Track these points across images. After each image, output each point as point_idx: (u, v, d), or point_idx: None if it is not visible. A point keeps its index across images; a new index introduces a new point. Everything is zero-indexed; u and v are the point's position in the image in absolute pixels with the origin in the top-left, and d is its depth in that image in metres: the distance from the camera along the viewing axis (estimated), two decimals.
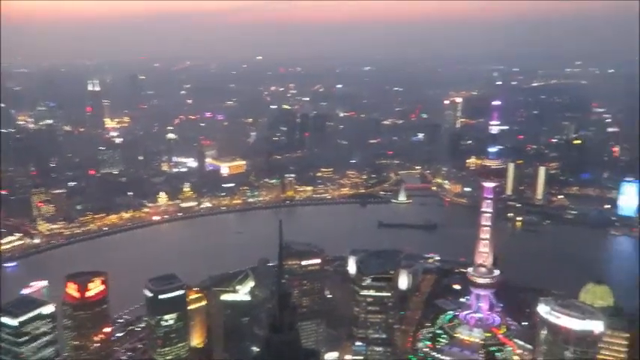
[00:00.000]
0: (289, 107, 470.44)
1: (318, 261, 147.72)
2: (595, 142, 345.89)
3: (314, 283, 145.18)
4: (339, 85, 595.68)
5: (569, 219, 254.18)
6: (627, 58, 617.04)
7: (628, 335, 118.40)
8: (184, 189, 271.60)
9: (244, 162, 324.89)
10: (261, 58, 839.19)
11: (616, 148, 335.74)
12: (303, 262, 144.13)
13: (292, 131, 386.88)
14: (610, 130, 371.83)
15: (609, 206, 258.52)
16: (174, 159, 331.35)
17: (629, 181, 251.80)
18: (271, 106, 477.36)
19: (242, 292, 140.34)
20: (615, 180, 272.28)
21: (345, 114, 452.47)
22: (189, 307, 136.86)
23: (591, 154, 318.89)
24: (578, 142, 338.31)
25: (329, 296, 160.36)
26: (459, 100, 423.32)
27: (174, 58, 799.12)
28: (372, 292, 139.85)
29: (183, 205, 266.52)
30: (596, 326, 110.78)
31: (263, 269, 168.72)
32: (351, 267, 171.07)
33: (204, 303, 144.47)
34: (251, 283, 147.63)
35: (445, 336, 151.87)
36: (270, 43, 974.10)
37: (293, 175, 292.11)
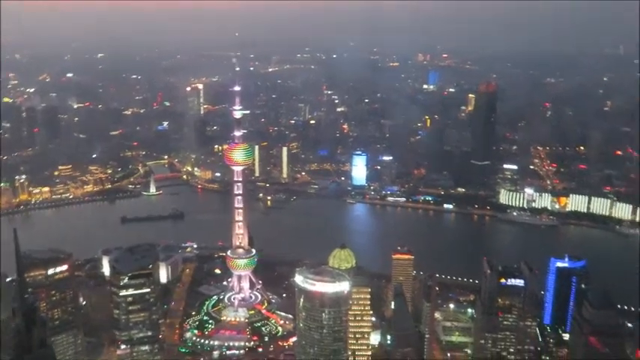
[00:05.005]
0: (11, 100, 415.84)
1: (66, 267, 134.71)
2: (327, 121, 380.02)
3: (64, 291, 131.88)
4: (70, 74, 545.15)
5: (312, 193, 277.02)
6: (344, 45, 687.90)
7: (369, 289, 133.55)
8: None
9: None
10: None
11: (345, 126, 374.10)
12: (49, 271, 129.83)
13: (18, 127, 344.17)
14: (339, 109, 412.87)
15: (344, 178, 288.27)
16: None
17: (358, 154, 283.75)
18: None
19: None
20: (347, 154, 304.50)
21: (80, 105, 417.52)
22: None
23: (325, 133, 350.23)
24: (313, 122, 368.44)
25: (84, 303, 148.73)
26: (200, 86, 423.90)
27: None
28: (131, 291, 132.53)
29: None
30: (345, 287, 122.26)
31: None
32: (105, 268, 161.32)
33: None
34: None
35: (212, 321, 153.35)
36: None
37: (25, 176, 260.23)
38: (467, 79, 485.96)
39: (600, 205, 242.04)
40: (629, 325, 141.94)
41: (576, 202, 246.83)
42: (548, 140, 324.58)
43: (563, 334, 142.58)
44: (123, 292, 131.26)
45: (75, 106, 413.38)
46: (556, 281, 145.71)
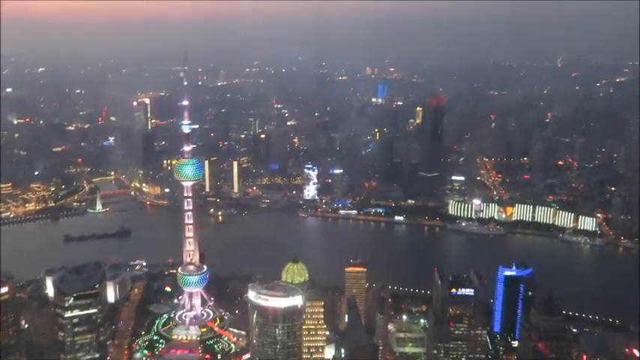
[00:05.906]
0: None
1: (7, 289, 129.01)
2: (278, 135, 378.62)
3: (5, 314, 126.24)
4: (9, 89, 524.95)
5: (263, 208, 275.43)
6: (292, 59, 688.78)
7: (322, 303, 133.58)
8: None
9: None
10: None
11: (295, 140, 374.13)
12: None
13: None
14: (289, 123, 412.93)
15: (295, 192, 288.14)
16: None
17: (309, 168, 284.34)
18: None
19: None
20: (298, 168, 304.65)
21: (20, 121, 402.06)
22: None
23: (276, 147, 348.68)
24: (264, 136, 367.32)
25: (26, 326, 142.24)
26: (147, 101, 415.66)
27: None
28: (76, 312, 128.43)
29: None
30: (298, 301, 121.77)
31: None
32: (49, 289, 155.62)
33: None
34: None
35: (162, 340, 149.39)
36: None
37: None
38: (414, 91, 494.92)
39: (544, 214, 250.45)
40: (574, 330, 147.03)
41: (522, 212, 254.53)
42: (494, 151, 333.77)
43: (512, 341, 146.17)
44: (68, 314, 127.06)
45: (15, 122, 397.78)
46: (504, 289, 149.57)
